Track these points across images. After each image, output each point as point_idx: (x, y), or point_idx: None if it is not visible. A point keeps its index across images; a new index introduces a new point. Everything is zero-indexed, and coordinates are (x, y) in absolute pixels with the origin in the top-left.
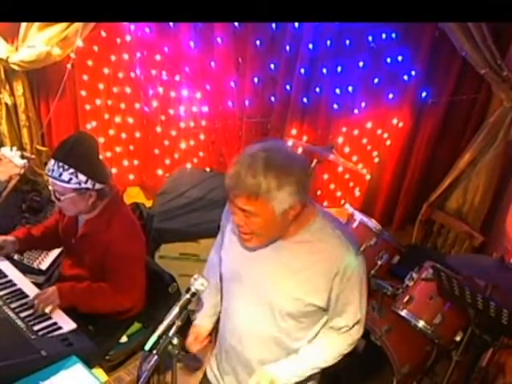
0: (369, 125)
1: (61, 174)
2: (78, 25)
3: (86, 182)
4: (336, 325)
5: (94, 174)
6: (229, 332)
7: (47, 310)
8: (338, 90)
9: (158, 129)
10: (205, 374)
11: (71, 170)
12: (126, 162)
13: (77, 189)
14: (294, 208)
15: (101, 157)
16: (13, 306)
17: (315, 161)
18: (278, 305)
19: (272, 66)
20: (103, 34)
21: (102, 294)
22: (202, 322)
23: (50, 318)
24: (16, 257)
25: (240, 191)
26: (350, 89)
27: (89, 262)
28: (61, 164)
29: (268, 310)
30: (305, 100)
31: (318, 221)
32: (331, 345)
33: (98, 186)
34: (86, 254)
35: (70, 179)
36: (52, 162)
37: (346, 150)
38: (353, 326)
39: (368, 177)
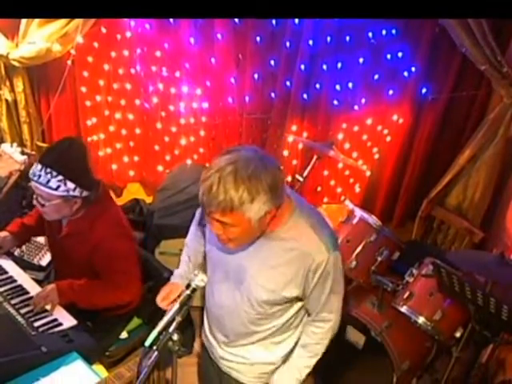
0: (369, 121)
1: (48, 181)
2: (78, 21)
3: (74, 190)
4: (315, 317)
5: (83, 181)
6: (211, 305)
7: (47, 309)
8: (338, 87)
9: (159, 125)
10: (203, 343)
11: (60, 177)
12: (126, 159)
13: (64, 196)
14: (270, 212)
15: (91, 159)
16: (13, 302)
17: (315, 157)
18: (255, 294)
19: (272, 62)
20: (103, 30)
21: (100, 290)
22: (179, 281)
23: (50, 314)
24: (16, 253)
25: (214, 208)
26: (350, 85)
27: (76, 260)
28: (49, 170)
29: (246, 296)
30: (305, 96)
31: (293, 217)
32: (313, 337)
33: (85, 193)
34: (72, 251)
35: (58, 186)
36: (39, 166)
37: (346, 146)
38: (329, 319)
39: (368, 173)
